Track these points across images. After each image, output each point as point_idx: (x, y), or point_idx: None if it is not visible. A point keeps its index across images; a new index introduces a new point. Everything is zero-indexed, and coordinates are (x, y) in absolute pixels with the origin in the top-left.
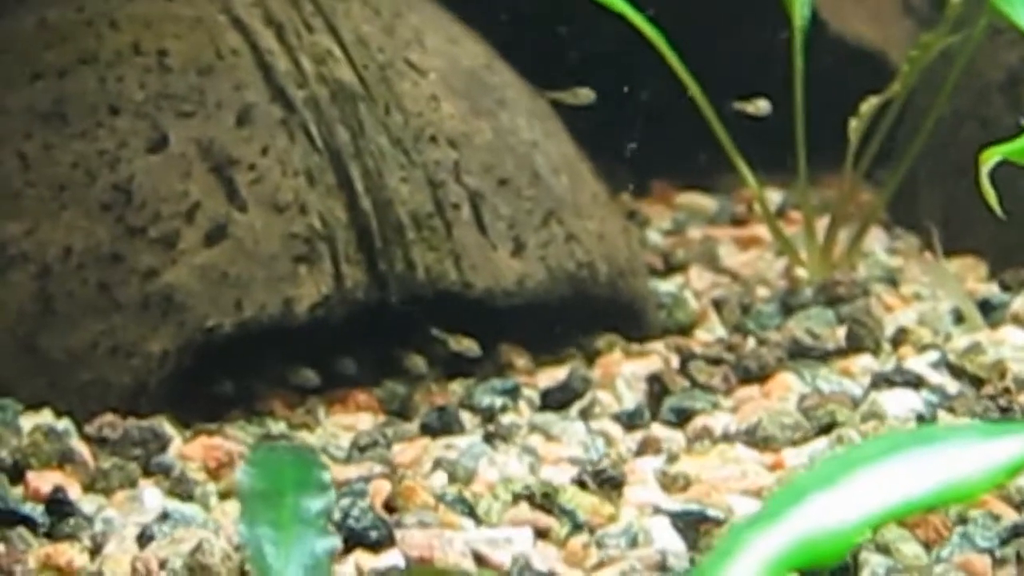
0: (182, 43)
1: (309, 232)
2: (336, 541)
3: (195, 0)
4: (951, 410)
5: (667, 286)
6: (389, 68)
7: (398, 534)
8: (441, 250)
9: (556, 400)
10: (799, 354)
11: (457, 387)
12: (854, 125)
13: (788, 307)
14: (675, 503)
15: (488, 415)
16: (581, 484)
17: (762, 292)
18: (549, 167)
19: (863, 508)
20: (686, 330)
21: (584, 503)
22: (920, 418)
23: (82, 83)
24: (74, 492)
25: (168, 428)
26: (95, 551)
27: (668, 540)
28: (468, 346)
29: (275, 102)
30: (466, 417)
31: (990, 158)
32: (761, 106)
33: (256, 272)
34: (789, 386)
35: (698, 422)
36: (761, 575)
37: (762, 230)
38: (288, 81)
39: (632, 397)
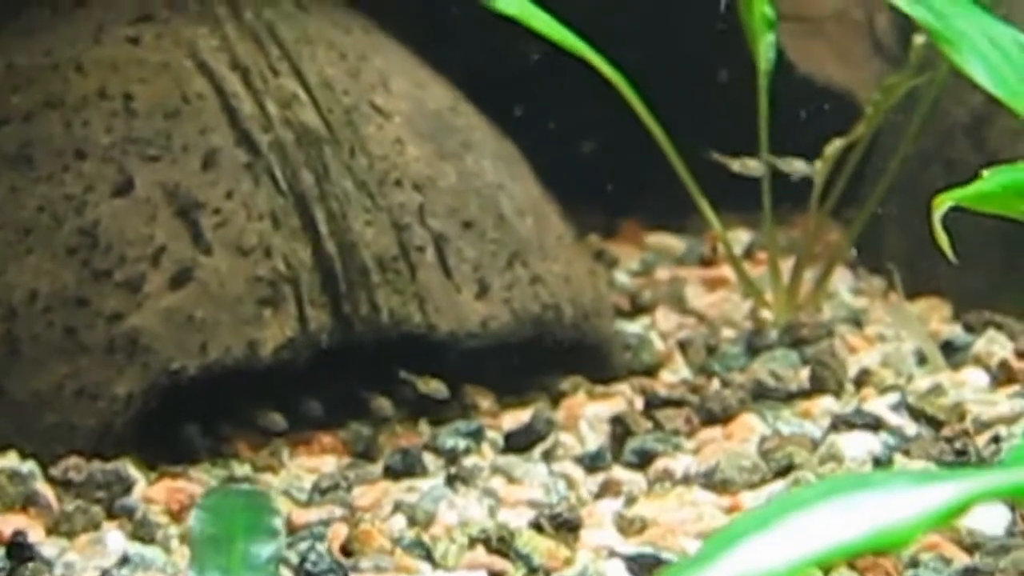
0: (148, 87)
1: (274, 275)
2: None
3: (161, 45)
4: (907, 453)
5: (633, 327)
6: (354, 111)
7: None
8: (405, 293)
9: (519, 442)
10: (762, 396)
11: (423, 429)
12: (818, 167)
13: (754, 348)
14: (630, 546)
15: (451, 457)
16: (538, 527)
17: (728, 333)
18: (514, 209)
19: (794, 552)
20: (651, 371)
21: (540, 547)
22: (877, 461)
23: (48, 127)
24: (37, 535)
25: (132, 470)
26: None
27: None
28: (436, 388)
29: (240, 146)
30: (429, 459)
31: (943, 204)
32: (751, 165)
33: (221, 315)
34: (752, 428)
35: (659, 464)
36: None
37: (729, 271)
38: (253, 125)
39: (595, 439)
